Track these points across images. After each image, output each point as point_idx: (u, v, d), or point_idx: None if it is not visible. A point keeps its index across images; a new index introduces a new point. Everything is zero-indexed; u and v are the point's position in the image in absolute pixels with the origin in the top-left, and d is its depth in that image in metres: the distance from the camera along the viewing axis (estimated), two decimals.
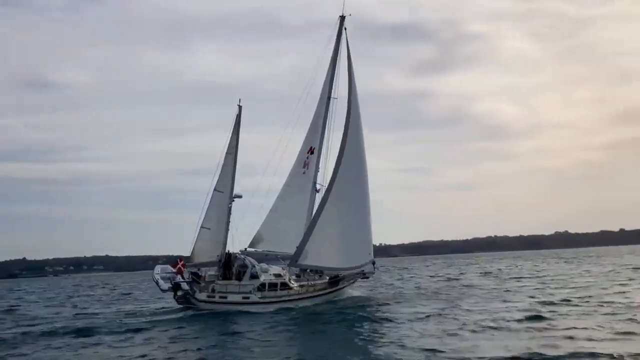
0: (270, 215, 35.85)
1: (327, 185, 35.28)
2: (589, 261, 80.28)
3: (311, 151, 36.03)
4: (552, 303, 28.06)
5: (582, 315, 23.42)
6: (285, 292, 34.19)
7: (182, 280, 33.29)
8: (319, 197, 36.13)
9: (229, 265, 34.98)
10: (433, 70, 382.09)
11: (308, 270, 36.95)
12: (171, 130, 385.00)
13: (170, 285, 33.16)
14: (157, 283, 33.82)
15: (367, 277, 38.61)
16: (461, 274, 64.18)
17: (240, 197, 34.80)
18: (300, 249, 35.11)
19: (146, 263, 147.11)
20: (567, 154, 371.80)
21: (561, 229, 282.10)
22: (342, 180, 35.08)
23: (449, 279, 53.90)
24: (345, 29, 36.09)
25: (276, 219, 35.71)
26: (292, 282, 34.96)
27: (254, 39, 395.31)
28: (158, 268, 35.03)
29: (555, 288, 37.48)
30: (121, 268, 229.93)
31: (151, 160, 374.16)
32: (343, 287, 37.16)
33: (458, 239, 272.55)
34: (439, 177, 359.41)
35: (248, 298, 33.42)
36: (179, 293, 33.19)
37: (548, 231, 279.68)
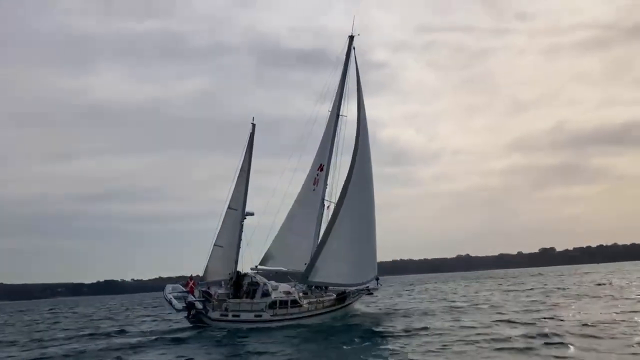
0: (280, 232, 36.04)
1: (336, 202, 35.61)
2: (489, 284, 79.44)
3: (321, 168, 36.35)
4: None
5: None
6: (296, 310, 34.36)
7: (195, 299, 33.09)
8: (326, 213, 36.54)
9: (239, 284, 34.94)
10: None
11: (314, 287, 37.20)
12: (65, 154, 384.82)
13: (185, 305, 32.92)
14: (170, 303, 33.59)
15: (372, 293, 39.08)
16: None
17: (252, 214, 34.93)
18: (310, 265, 35.40)
19: None
20: (467, 179, 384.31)
21: (463, 253, 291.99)
22: (351, 198, 35.49)
23: None
24: (354, 48, 36.63)
25: (286, 236, 35.93)
26: (302, 300, 35.16)
27: (158, 61, 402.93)
28: (169, 287, 34.89)
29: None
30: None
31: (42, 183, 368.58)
32: (350, 303, 37.55)
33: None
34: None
35: (260, 316, 33.50)
36: (192, 312, 32.96)
37: (450, 254, 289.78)
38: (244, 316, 33.42)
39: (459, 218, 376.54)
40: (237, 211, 34.31)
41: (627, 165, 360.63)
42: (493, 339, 22.04)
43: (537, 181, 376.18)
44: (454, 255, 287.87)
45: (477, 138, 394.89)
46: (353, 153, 35.77)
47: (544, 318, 28.05)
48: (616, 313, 28.24)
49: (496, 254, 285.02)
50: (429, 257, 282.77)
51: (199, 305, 32.97)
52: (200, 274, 34.76)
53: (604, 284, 55.08)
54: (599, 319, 25.93)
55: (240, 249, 34.92)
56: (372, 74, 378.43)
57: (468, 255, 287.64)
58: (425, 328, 26.99)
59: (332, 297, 36.55)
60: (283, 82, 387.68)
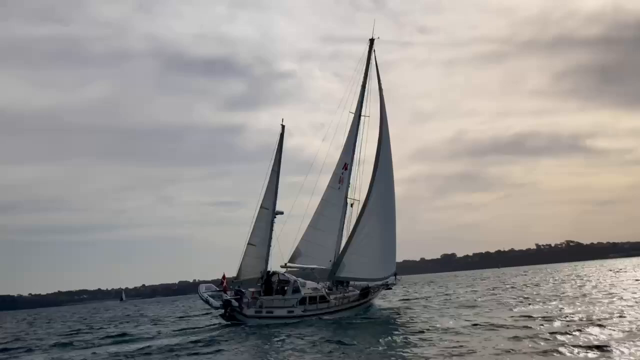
0: (308, 230, 37.13)
1: (362, 200, 36.90)
2: None
3: (345, 167, 37.53)
4: None
5: None
6: (324, 305, 35.54)
7: (230, 297, 34.18)
8: (348, 211, 37.80)
9: (270, 281, 36.09)
10: (245, 105, 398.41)
11: (337, 283, 38.41)
12: None
13: (222, 303, 33.98)
14: (207, 302, 34.60)
15: (390, 288, 40.47)
16: None
17: (281, 213, 36.04)
18: (338, 261, 36.69)
19: None
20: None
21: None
22: (376, 196, 36.83)
23: None
24: (374, 50, 37.85)
25: (313, 234, 37.02)
26: (329, 295, 36.42)
27: (57, 67, 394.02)
28: (203, 287, 35.91)
29: None
30: None
31: None
32: (373, 298, 38.93)
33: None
34: (252, 210, 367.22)
35: (292, 312, 34.63)
36: (228, 310, 34.06)
37: None
38: (277, 312, 34.54)
39: None
40: (269, 210, 35.41)
41: (521, 174, 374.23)
42: None
43: (439, 189, 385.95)
44: None
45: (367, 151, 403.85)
46: (376, 152, 37.05)
47: None
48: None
49: (400, 260, 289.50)
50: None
51: (235, 303, 34.03)
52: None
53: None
54: None
55: (271, 247, 35.86)
56: (279, 83, 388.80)
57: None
58: None
59: (356, 293, 37.87)
60: (187, 90, 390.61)
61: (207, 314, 45.36)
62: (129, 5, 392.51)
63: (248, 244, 35.21)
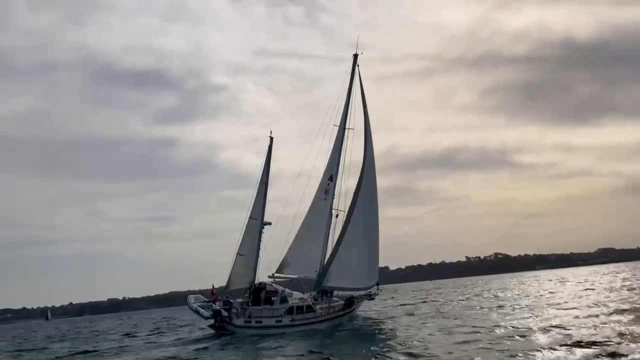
0: (295, 240, 37.55)
1: (347, 211, 37.66)
2: None
3: (331, 178, 38.25)
4: None
5: None
6: (311, 315, 36.07)
7: (220, 307, 34.08)
8: (333, 221, 38.46)
9: (257, 291, 36.21)
10: (178, 118, 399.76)
11: (322, 293, 38.90)
12: None
13: (212, 313, 33.79)
14: (197, 312, 34.40)
15: (373, 299, 41.35)
16: None
17: (269, 224, 36.39)
18: (324, 271, 37.24)
19: None
20: (305, 203, 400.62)
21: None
22: (360, 207, 37.67)
23: None
24: (358, 65, 38.96)
25: (300, 244, 37.48)
26: (315, 305, 36.88)
27: None
28: (192, 298, 35.75)
29: None
30: None
31: None
32: (357, 308, 39.66)
33: (205, 288, 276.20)
34: (185, 225, 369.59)
35: (281, 321, 34.98)
36: (218, 320, 33.93)
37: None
38: (265, 322, 34.80)
39: None
40: (257, 221, 35.62)
41: (451, 188, 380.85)
42: None
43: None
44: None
45: (316, 162, 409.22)
46: (362, 164, 38.00)
47: None
48: None
49: None
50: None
51: (225, 313, 33.93)
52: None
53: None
54: None
55: (260, 258, 36.03)
56: (212, 96, 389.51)
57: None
58: None
59: (340, 303, 38.48)
60: (117, 102, 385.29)
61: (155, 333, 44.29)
62: (56, 15, 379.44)
63: (237, 254, 35.44)
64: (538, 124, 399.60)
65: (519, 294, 51.11)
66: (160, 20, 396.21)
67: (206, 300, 35.48)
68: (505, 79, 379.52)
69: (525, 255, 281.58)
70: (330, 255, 37.37)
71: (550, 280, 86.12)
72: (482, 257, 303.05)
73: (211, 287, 35.37)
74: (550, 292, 49.25)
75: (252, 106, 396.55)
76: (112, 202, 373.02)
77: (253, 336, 33.08)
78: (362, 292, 39.33)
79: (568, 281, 73.15)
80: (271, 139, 37.34)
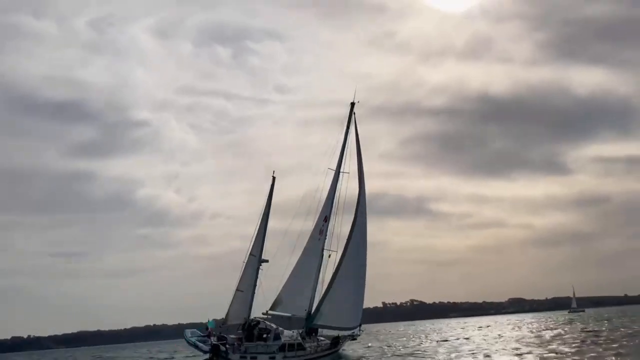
0: (289, 278, 38.38)
1: (342, 253, 39.04)
2: None
3: (326, 219, 39.58)
4: None
5: None
6: (302, 352, 36.97)
7: (218, 342, 34.23)
8: (325, 261, 39.63)
9: (251, 328, 36.62)
10: (96, 152, 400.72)
11: (305, 332, 39.62)
12: None
13: (210, 347, 33.83)
14: (196, 346, 34.31)
15: (355, 339, 42.40)
16: None
17: (266, 261, 37.03)
18: (316, 309, 38.30)
19: None
20: (225, 242, 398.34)
21: (219, 316, 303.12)
22: (353, 249, 39.28)
23: None
24: (354, 113, 41.09)
25: (294, 283, 38.37)
26: (305, 343, 37.68)
27: None
28: (189, 332, 35.81)
29: None
30: None
31: None
32: (341, 347, 40.61)
33: (117, 329, 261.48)
34: (97, 262, 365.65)
35: (274, 358, 35.56)
36: (217, 354, 34.01)
37: (206, 318, 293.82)
38: (260, 358, 35.14)
39: (217, 281, 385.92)
40: (256, 257, 36.24)
41: (371, 233, 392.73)
42: None
43: (292, 246, 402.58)
44: (210, 319, 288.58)
45: (236, 202, 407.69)
46: (356, 208, 39.70)
47: None
48: None
49: (252, 317, 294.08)
50: (184, 321, 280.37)
51: (223, 348, 34.04)
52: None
53: None
54: None
55: (255, 295, 36.52)
56: (133, 131, 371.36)
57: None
58: None
59: (327, 342, 39.36)
60: (32, 133, 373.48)
61: None
62: None
63: (237, 290, 35.84)
64: (453, 174, 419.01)
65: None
66: (84, 51, 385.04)
67: (202, 335, 35.46)
68: (423, 130, 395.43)
69: (440, 302, 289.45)
70: (323, 295, 38.44)
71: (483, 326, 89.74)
72: (398, 303, 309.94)
73: (206, 322, 35.42)
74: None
75: (173, 143, 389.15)
76: (21, 235, 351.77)
77: None
78: (347, 332, 40.47)
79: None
80: (274, 178, 38.63)
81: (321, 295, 39.11)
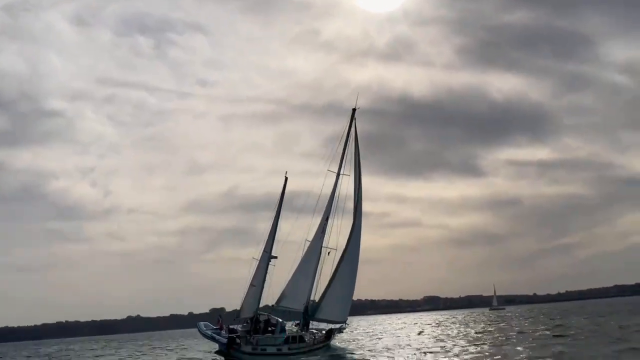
0: (294, 274, 40.13)
1: (338, 250, 41.28)
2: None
3: (327, 219, 41.61)
4: None
5: None
6: (303, 344, 38.94)
7: (233, 335, 35.63)
8: (323, 258, 41.64)
9: (258, 321, 38.23)
10: (5, 142, 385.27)
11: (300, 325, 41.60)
12: None
13: (227, 339, 35.09)
14: (212, 338, 35.36)
15: (342, 332, 44.79)
16: None
17: (275, 257, 38.65)
18: (317, 304, 40.42)
19: None
20: (141, 238, 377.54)
21: (133, 314, 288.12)
22: (352, 248, 41.67)
23: None
24: (355, 119, 43.30)
25: (297, 278, 40.19)
26: (305, 335, 39.72)
27: None
28: (202, 325, 36.51)
29: None
30: None
31: None
32: (332, 339, 42.85)
33: (27, 325, 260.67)
34: (6, 256, 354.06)
35: (280, 349, 37.39)
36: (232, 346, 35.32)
37: (121, 315, 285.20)
38: (269, 350, 36.81)
39: (131, 277, 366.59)
40: (267, 254, 37.74)
41: (289, 231, 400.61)
42: None
43: (210, 242, 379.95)
44: (124, 316, 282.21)
45: (154, 197, 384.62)
46: (355, 209, 42.02)
47: None
48: None
49: (167, 314, 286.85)
50: (98, 318, 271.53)
51: (238, 340, 35.40)
52: None
53: None
54: None
55: (265, 290, 38.14)
56: (46, 121, 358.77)
57: (139, 316, 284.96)
58: None
59: (322, 334, 41.49)
60: None
61: None
62: None
63: (250, 285, 37.11)
64: (374, 174, 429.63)
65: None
66: None
67: (214, 327, 36.62)
68: (345, 130, 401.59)
69: (358, 300, 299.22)
70: (324, 291, 40.57)
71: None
72: (316, 300, 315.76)
73: (218, 316, 36.76)
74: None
75: (89, 135, 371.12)
76: None
77: None
78: (338, 325, 42.83)
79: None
80: (286, 178, 40.27)
81: (317, 290, 41.21)
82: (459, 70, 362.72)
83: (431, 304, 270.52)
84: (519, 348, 32.22)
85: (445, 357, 30.31)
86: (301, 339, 38.93)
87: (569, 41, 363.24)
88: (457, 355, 30.87)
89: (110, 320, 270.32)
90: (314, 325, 42.14)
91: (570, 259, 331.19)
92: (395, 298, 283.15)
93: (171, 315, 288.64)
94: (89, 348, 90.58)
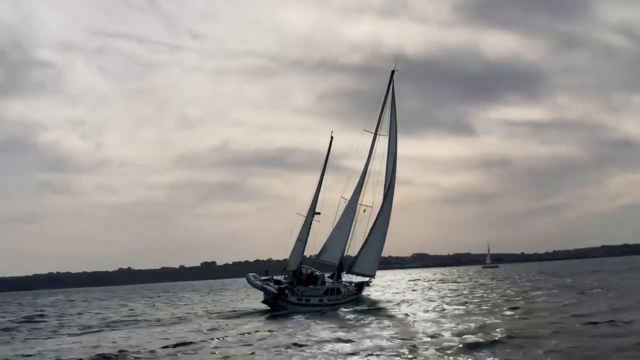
0: (333, 230, 41.87)
1: (373, 207, 42.87)
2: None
3: (363, 177, 43.12)
4: None
5: None
6: (340, 296, 40.93)
7: (282, 286, 37.60)
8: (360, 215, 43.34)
9: (301, 273, 40.16)
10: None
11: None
12: None
13: (277, 289, 37.01)
14: (264, 288, 37.15)
15: (369, 285, 46.90)
16: None
17: (318, 213, 40.36)
18: (354, 258, 42.36)
19: None
20: (132, 192, 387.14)
21: (125, 266, 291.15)
22: (387, 204, 43.30)
23: None
24: (393, 80, 44.24)
25: (335, 233, 41.92)
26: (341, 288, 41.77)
27: None
28: (251, 276, 38.26)
29: None
30: None
31: None
32: (363, 291, 45.01)
33: (17, 275, 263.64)
34: None
35: (322, 301, 39.38)
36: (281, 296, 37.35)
37: (112, 267, 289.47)
38: (312, 300, 38.73)
39: (122, 230, 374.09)
40: (312, 210, 39.63)
41: (280, 187, 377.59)
42: None
43: (201, 197, 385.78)
44: (115, 269, 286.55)
45: (145, 150, 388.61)
46: (392, 167, 43.41)
47: None
48: None
49: (158, 267, 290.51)
50: (90, 269, 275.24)
51: (286, 291, 37.36)
52: None
53: None
54: None
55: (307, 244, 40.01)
56: (36, 72, 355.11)
57: (130, 268, 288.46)
58: None
59: (353, 287, 43.54)
60: None
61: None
62: None
63: (298, 239, 38.86)
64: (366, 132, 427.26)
65: None
66: None
67: (262, 278, 38.51)
68: (339, 86, 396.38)
69: (348, 256, 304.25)
70: (362, 245, 42.44)
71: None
72: (308, 256, 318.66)
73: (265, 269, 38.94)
74: None
75: (80, 87, 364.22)
76: None
77: (304, 312, 36.79)
78: (367, 279, 44.90)
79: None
80: (332, 137, 41.59)
81: (352, 246, 43.09)
82: (454, 27, 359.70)
83: (420, 261, 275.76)
84: None
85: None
86: (338, 291, 40.93)
87: (565, 0, 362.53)
88: None
89: (101, 272, 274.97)
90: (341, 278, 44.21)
91: (559, 219, 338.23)
92: (385, 255, 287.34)
93: (162, 267, 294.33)
94: (100, 298, 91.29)
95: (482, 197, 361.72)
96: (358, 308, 38.55)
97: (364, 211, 43.30)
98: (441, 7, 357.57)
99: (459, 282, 74.92)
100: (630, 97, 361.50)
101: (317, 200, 41.10)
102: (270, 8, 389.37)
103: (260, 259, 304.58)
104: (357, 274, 43.88)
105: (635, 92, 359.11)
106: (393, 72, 44.60)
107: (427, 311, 33.41)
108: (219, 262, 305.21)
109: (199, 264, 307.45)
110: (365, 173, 43.27)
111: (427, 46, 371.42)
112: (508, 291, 48.52)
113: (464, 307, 34.05)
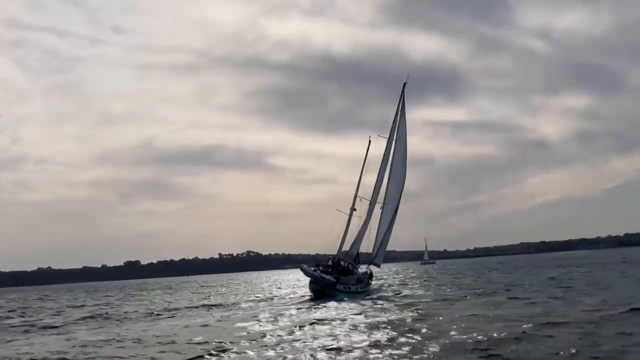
0: (363, 225, 47.12)
1: (397, 204, 48.39)
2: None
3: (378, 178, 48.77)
4: None
5: None
6: (363, 284, 46.34)
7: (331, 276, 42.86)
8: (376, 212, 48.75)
9: (339, 264, 45.38)
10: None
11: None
12: None
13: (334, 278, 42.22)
14: (322, 278, 41.87)
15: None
16: None
17: (355, 210, 45.60)
18: (375, 251, 47.95)
19: None
20: (51, 189, 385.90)
21: (44, 265, 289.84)
22: (391, 200, 49.00)
23: None
24: (404, 92, 49.93)
25: (365, 228, 47.28)
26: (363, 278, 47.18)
27: None
28: (305, 266, 43.03)
29: None
30: None
31: None
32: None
33: None
34: None
35: (357, 288, 44.56)
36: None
37: (30, 267, 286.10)
38: (352, 288, 43.93)
39: (41, 229, 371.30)
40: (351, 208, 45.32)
41: (207, 185, 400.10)
42: None
43: (124, 195, 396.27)
44: (34, 268, 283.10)
45: (65, 147, 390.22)
46: (402, 168, 49.20)
47: None
48: None
49: (80, 266, 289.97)
50: (6, 269, 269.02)
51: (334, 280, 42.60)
52: None
53: None
54: None
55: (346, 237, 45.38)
56: None
57: (50, 267, 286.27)
58: None
59: (367, 275, 48.89)
60: None
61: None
62: None
63: (343, 234, 44.17)
64: (292, 130, 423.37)
65: None
66: None
67: (313, 269, 43.37)
68: (265, 84, 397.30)
69: (275, 254, 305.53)
70: (382, 239, 47.92)
71: None
72: (234, 255, 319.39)
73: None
74: None
75: None
76: None
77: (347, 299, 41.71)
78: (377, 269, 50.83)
79: None
80: (369, 142, 47.29)
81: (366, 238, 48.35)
82: (379, 28, 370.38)
83: (347, 258, 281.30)
84: None
85: None
86: (362, 280, 46.35)
87: (487, 4, 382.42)
88: None
89: (19, 271, 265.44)
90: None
91: (479, 217, 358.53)
92: (312, 252, 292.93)
93: (84, 267, 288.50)
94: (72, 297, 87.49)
95: (405, 196, 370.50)
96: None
97: (381, 208, 48.85)
98: (366, 8, 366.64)
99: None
100: (548, 100, 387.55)
101: (355, 197, 46.48)
102: (197, 3, 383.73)
103: (186, 258, 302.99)
104: (376, 265, 49.40)
105: (553, 95, 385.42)
106: (405, 84, 50.35)
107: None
108: (143, 262, 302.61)
109: (122, 263, 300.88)
110: (383, 173, 48.78)
111: (353, 46, 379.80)
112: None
113: None
